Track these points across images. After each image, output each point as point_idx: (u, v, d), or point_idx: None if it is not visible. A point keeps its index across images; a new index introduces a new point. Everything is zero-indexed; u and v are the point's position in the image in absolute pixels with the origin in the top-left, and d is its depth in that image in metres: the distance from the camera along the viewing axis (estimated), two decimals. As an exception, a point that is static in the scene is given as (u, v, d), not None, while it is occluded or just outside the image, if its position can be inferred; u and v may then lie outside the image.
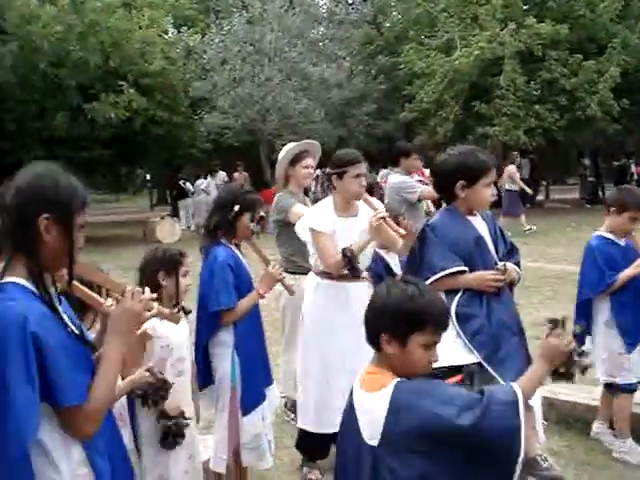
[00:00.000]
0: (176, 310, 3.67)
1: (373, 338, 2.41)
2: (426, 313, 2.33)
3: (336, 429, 4.47)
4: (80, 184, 2.31)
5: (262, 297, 4.15)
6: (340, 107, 25.75)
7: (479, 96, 21.70)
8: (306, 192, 5.65)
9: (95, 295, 2.62)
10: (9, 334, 2.07)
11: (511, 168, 18.05)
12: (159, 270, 3.63)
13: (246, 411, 4.07)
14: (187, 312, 3.79)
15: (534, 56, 21.16)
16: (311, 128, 22.76)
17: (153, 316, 2.54)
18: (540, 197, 27.29)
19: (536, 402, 3.61)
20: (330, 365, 4.55)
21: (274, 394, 4.38)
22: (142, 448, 3.56)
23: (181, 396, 3.64)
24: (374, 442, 2.30)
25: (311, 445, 4.76)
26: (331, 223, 4.56)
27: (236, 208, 4.09)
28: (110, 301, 2.63)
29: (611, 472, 4.64)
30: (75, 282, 2.43)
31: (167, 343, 3.58)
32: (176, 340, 3.65)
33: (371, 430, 2.32)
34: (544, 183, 28.85)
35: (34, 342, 2.06)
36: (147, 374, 3.20)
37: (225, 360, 4.04)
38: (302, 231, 4.69)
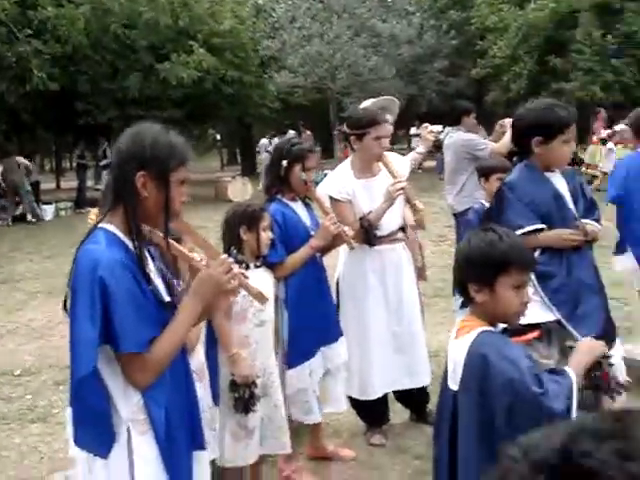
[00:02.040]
0: (259, 263, 3.77)
1: (463, 290, 2.45)
2: (508, 255, 2.35)
3: (380, 394, 4.56)
4: (181, 141, 2.41)
5: (316, 251, 4.12)
6: (410, 64, 25.45)
7: (554, 51, 21.09)
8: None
9: (188, 252, 2.67)
10: (81, 273, 2.24)
11: None
12: (240, 225, 3.70)
13: (290, 365, 4.09)
14: (270, 264, 3.87)
15: (612, 8, 20.43)
16: (381, 86, 22.56)
17: (237, 290, 2.57)
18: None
19: (616, 359, 3.54)
20: (368, 331, 4.52)
21: (336, 352, 4.31)
22: (221, 397, 3.66)
23: (261, 346, 3.72)
24: (455, 387, 2.37)
25: (365, 411, 4.74)
26: (350, 188, 4.47)
27: (284, 163, 4.07)
28: (200, 257, 2.67)
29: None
30: (170, 240, 2.50)
31: None
32: None
33: (453, 376, 2.39)
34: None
35: (100, 285, 2.17)
36: (251, 371, 3.42)
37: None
38: (325, 197, 4.53)
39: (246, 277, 2.59)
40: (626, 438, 0.65)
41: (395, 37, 24.31)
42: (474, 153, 6.74)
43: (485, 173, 5.10)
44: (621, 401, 3.62)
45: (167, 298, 2.38)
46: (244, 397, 3.55)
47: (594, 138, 16.34)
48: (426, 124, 5.80)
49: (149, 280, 2.31)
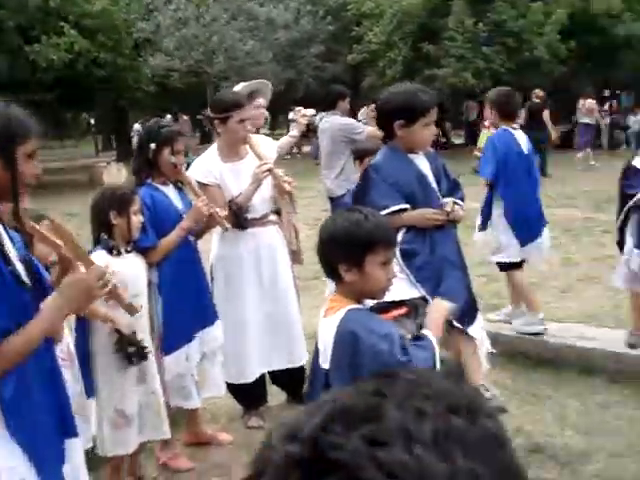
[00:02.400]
0: (130, 248, 3.69)
1: (331, 271, 2.47)
2: (375, 234, 2.42)
3: (257, 375, 4.59)
4: (23, 114, 2.31)
5: (188, 233, 4.07)
6: (288, 48, 25.47)
7: (427, 38, 21.59)
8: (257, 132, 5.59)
9: (54, 238, 2.58)
10: None
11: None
12: (110, 209, 3.60)
13: (167, 350, 4.05)
14: (142, 249, 3.79)
15: (483, -3, 21.11)
16: (258, 70, 22.44)
17: (107, 297, 2.52)
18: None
19: (479, 333, 3.70)
20: (243, 314, 4.52)
21: (212, 336, 4.28)
22: (97, 382, 3.60)
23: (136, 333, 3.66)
24: (326, 365, 2.41)
25: (242, 394, 4.73)
26: (216, 171, 4.45)
27: (152, 146, 4.00)
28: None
29: (551, 402, 4.78)
30: (34, 225, 2.42)
31: (122, 278, 3.56)
32: (131, 275, 3.63)
33: (323, 354, 2.43)
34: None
35: None
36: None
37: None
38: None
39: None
40: (378, 419, 0.61)
41: (272, 21, 24.27)
42: (351, 137, 6.85)
43: (359, 156, 5.19)
44: (486, 369, 3.80)
45: (27, 280, 2.30)
46: (137, 346, 3.53)
47: (486, 123, 16.97)
48: (299, 108, 5.84)
49: (8, 261, 2.23)
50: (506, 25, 21.24)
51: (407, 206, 3.62)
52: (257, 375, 4.62)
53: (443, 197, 3.74)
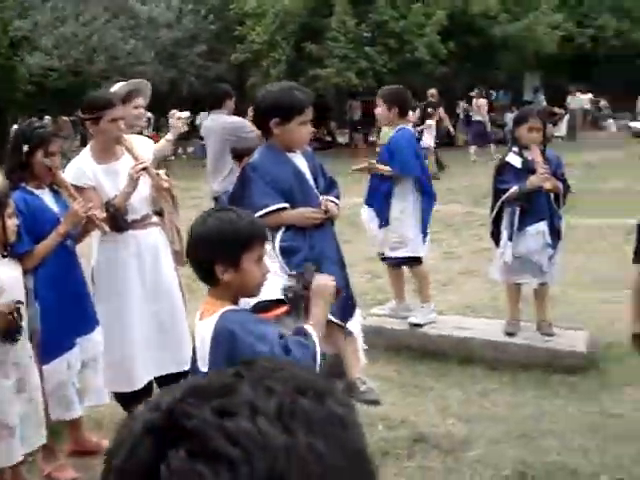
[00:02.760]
0: (5, 253, 3.56)
1: (205, 273, 2.45)
2: (249, 231, 2.43)
3: (145, 381, 4.49)
4: None
5: (64, 237, 3.94)
6: (170, 48, 25.07)
7: (310, 37, 21.72)
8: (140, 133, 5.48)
9: None
10: None
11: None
12: None
13: (46, 359, 3.93)
14: (18, 255, 3.67)
15: (364, -2, 21.45)
16: (140, 70, 22.03)
17: None
18: (372, 138, 27.89)
19: (356, 328, 3.77)
20: (128, 319, 4.39)
21: (93, 343, 4.17)
22: None
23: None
24: (205, 369, 2.39)
25: (129, 401, 4.47)
26: (90, 173, 4.32)
27: (25, 148, 3.86)
28: None
29: (434, 393, 4.92)
30: None
31: None
32: (8, 280, 3.52)
33: (202, 356, 2.41)
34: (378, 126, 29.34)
35: None
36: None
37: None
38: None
39: None
40: (230, 394, 0.67)
41: (154, 20, 23.85)
42: (240, 135, 6.77)
43: (237, 155, 5.17)
44: (363, 363, 3.87)
45: None
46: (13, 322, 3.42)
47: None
48: (174, 111, 5.76)
49: None
50: (388, 26, 21.61)
51: (287, 205, 3.64)
52: (145, 382, 4.51)
53: (320, 195, 3.78)
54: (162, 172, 4.41)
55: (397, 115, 5.64)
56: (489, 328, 5.61)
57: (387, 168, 5.55)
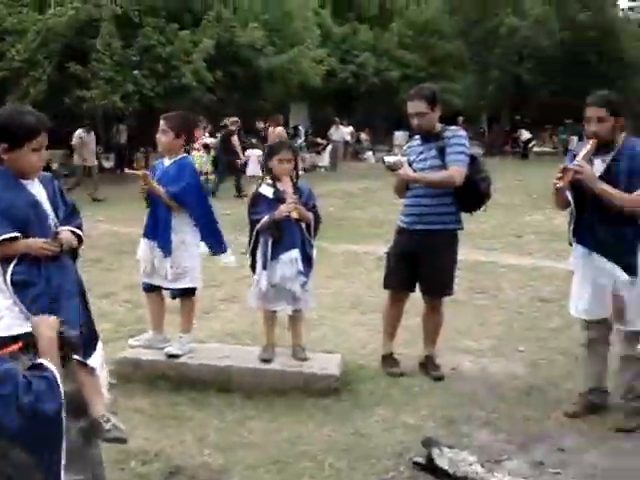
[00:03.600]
0: None
1: None
2: None
3: None
4: None
5: None
6: None
7: (75, 57, 21.09)
8: None
9: None
10: None
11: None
12: None
13: None
14: None
15: (131, 21, 21.22)
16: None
17: None
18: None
19: (98, 362, 3.61)
20: None
21: None
22: None
23: None
24: None
25: None
26: None
27: None
28: None
29: (193, 423, 4.86)
30: None
31: None
32: None
33: None
34: (142, 150, 28.71)
35: None
36: None
37: None
38: None
39: None
40: None
41: None
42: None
43: None
44: (106, 399, 3.73)
45: None
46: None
47: (195, 145, 17.07)
48: None
49: None
50: (155, 50, 21.53)
51: (18, 234, 3.41)
52: None
53: (60, 224, 3.60)
54: None
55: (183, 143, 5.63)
56: (248, 355, 5.66)
57: (161, 190, 5.42)
